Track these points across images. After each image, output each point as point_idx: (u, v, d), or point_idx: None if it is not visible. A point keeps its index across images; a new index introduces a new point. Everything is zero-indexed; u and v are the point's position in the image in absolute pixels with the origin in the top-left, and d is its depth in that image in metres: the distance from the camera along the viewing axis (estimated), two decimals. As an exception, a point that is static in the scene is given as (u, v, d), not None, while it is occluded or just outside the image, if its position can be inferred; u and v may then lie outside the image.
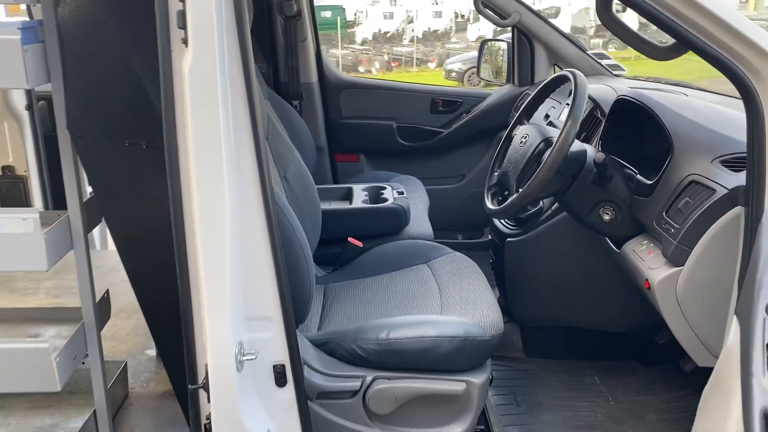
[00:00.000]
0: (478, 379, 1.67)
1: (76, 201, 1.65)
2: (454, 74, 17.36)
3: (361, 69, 21.66)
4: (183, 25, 1.27)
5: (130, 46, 1.42)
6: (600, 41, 23.02)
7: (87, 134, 1.53)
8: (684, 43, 1.37)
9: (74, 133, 1.56)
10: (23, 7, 3.07)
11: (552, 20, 3.14)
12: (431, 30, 33.73)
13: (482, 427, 1.86)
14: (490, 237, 2.56)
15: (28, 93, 3.14)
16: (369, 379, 1.65)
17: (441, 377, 1.66)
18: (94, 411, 1.83)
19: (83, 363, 1.78)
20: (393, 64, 23.36)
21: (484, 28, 33.89)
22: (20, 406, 1.96)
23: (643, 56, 1.46)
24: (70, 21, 1.48)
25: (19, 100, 3.11)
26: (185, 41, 1.28)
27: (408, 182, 2.95)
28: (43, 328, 1.88)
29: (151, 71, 1.35)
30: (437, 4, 37.39)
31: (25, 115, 3.12)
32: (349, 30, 27.94)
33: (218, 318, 1.33)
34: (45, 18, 1.53)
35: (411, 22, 32.99)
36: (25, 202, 3.15)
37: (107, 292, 1.89)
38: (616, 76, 2.84)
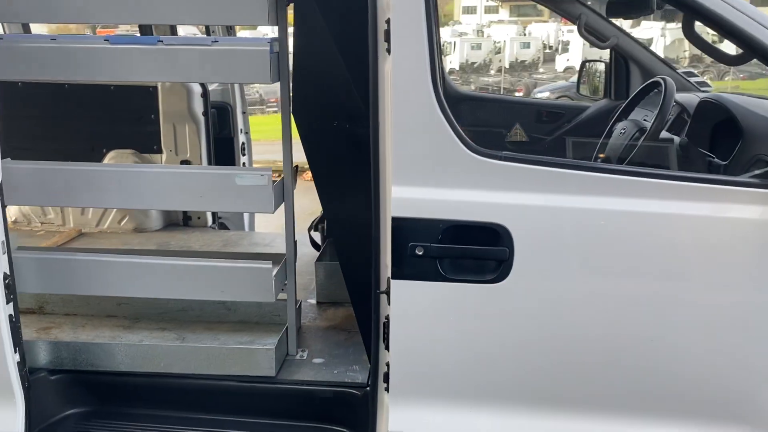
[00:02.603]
0: None
1: (289, 167, 2.29)
2: (542, 102, 17.65)
3: (449, 98, 22.25)
4: (387, 39, 1.88)
5: (343, 54, 2.05)
6: (696, 71, 22.91)
7: (307, 117, 2.17)
8: (751, 53, 1.85)
9: (297, 117, 2.19)
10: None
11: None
12: (519, 60, 34.10)
13: None
14: None
15: (205, 101, 3.89)
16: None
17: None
18: (285, 329, 2.45)
19: (282, 289, 2.41)
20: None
21: (573, 59, 33.87)
22: (224, 329, 2.59)
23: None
24: (301, 39, 2.12)
25: (198, 108, 3.87)
26: (388, 50, 1.88)
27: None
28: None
29: (357, 72, 1.96)
30: (526, 35, 37.69)
31: (202, 120, 3.87)
32: (437, 60, 28.54)
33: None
34: (280, 36, 2.19)
35: (499, 52, 33.56)
36: (197, 190, 3.87)
37: (296, 241, 2.51)
38: (703, 91, 3.28)
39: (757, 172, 1.90)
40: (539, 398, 1.94)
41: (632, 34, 3.50)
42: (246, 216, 4.27)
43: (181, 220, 3.95)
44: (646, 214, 1.80)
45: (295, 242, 2.46)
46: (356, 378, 2.31)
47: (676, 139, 2.30)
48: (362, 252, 2.01)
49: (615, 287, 1.83)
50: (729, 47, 2.15)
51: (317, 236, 3.35)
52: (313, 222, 3.37)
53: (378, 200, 1.94)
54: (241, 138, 4.12)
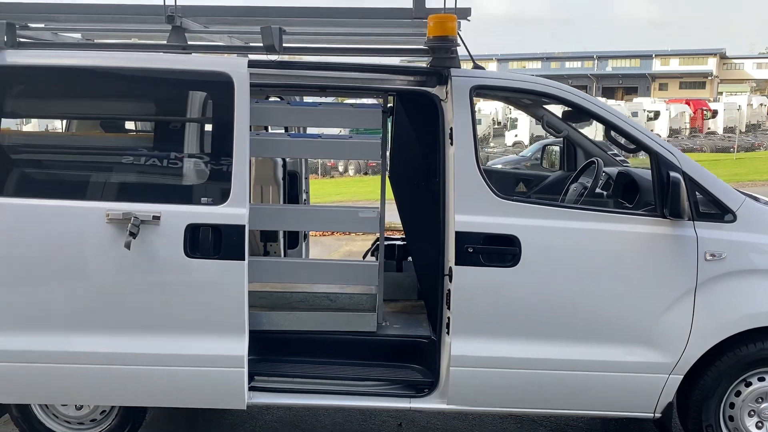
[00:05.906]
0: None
1: (383, 206, 3.90)
2: (498, 173, 19.61)
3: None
4: (451, 138, 3.54)
5: (422, 145, 3.70)
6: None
7: (400, 178, 3.80)
8: (638, 147, 3.59)
9: (392, 177, 3.82)
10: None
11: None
12: (472, 135, 36.58)
13: None
14: None
15: (284, 169, 5.47)
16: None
17: None
18: (377, 306, 3.97)
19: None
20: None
21: (521, 134, 36.47)
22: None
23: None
24: (399, 135, 3.77)
25: (279, 174, 5.44)
26: (452, 143, 3.53)
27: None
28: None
29: (432, 153, 3.61)
30: (478, 111, 40.50)
31: (281, 182, 5.44)
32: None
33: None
34: (383, 134, 3.85)
35: (453, 128, 36.03)
36: (274, 238, 5.37)
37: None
38: (622, 165, 5.06)
39: (646, 209, 3.61)
40: (535, 332, 3.51)
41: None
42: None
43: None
44: (589, 230, 3.47)
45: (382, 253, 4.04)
46: (423, 333, 3.85)
47: (605, 192, 4.03)
48: (431, 254, 3.62)
49: (576, 268, 3.46)
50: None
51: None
52: (368, 251, 4.96)
53: (445, 223, 3.56)
54: (304, 196, 5.71)
